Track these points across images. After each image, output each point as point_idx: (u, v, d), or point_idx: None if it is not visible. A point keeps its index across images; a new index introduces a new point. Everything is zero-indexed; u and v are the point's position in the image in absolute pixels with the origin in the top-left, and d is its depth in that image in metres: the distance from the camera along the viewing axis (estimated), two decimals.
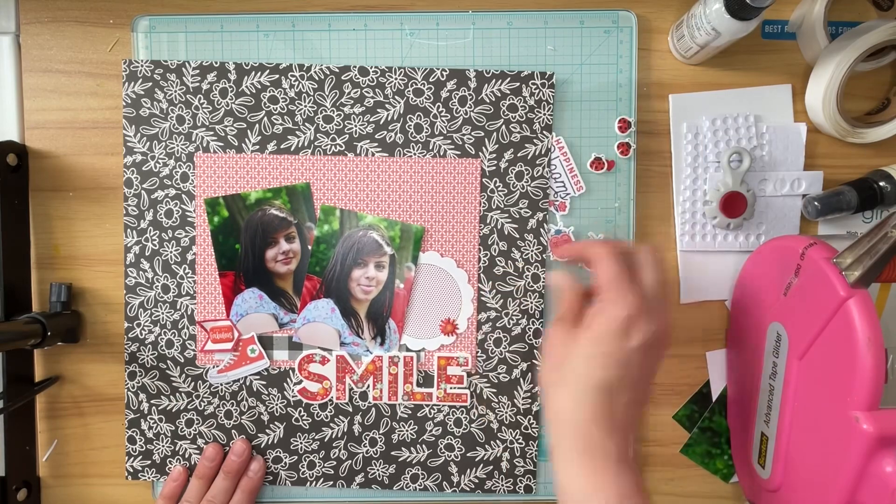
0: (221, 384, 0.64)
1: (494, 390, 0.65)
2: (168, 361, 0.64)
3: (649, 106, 0.65)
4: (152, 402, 0.65)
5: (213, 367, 0.64)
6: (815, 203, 0.61)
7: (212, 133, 0.63)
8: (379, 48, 0.64)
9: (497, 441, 0.65)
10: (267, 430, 0.65)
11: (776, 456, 0.58)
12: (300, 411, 0.65)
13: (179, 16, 0.64)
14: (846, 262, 0.49)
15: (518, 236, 0.64)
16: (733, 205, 0.62)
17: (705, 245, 0.65)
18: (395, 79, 0.63)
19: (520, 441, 0.65)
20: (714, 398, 0.66)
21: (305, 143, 0.63)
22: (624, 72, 0.64)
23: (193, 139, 0.63)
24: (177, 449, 0.65)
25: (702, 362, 0.66)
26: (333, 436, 0.65)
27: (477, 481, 0.65)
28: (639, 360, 0.49)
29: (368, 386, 0.65)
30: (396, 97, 0.63)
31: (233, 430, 0.65)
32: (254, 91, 0.63)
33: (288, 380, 0.65)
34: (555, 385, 0.51)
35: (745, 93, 0.64)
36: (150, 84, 0.63)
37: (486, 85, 0.63)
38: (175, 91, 0.63)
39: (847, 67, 0.58)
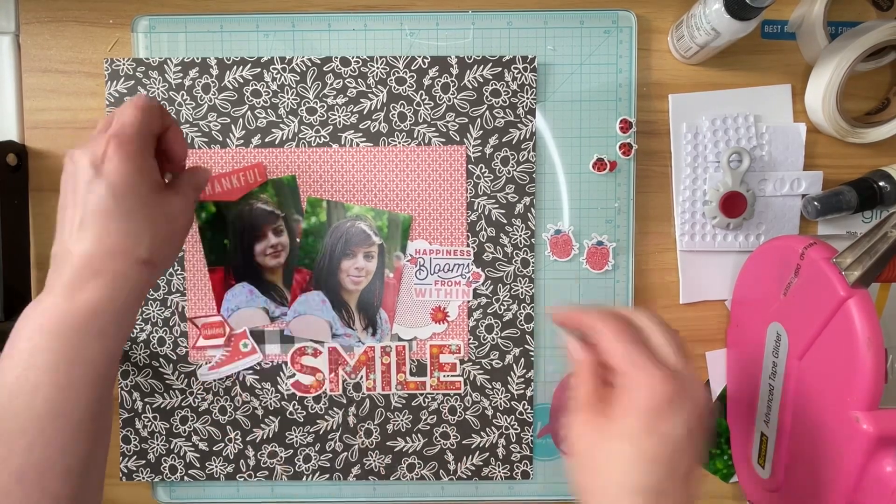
0: (214, 380, 0.65)
1: (488, 377, 0.64)
2: (161, 359, 0.64)
3: (649, 106, 0.64)
4: (146, 400, 0.65)
5: (206, 363, 0.64)
6: (815, 203, 0.60)
7: (196, 129, 0.63)
8: (379, 48, 0.64)
9: (492, 428, 0.65)
10: (261, 425, 0.65)
11: (776, 456, 0.58)
12: (294, 405, 0.65)
13: (179, 16, 0.64)
14: (846, 262, 0.49)
15: (506, 221, 0.63)
16: (733, 205, 0.62)
17: (705, 245, 0.64)
18: (377, 68, 0.63)
19: (515, 427, 0.65)
20: (714, 398, 0.66)
21: (290, 136, 0.63)
22: (624, 72, 0.63)
23: None
24: (171, 447, 0.65)
25: (702, 362, 0.66)
26: (328, 428, 0.65)
27: (474, 468, 0.65)
28: (684, 447, 0.41)
29: (362, 377, 0.64)
30: (379, 86, 0.63)
31: (227, 426, 0.65)
32: (236, 86, 0.63)
33: (281, 373, 0.65)
34: (593, 495, 0.43)
35: (745, 93, 0.64)
36: (133, 82, 0.63)
37: (469, 71, 0.62)
38: (157, 88, 0.63)
39: (847, 67, 0.58)
